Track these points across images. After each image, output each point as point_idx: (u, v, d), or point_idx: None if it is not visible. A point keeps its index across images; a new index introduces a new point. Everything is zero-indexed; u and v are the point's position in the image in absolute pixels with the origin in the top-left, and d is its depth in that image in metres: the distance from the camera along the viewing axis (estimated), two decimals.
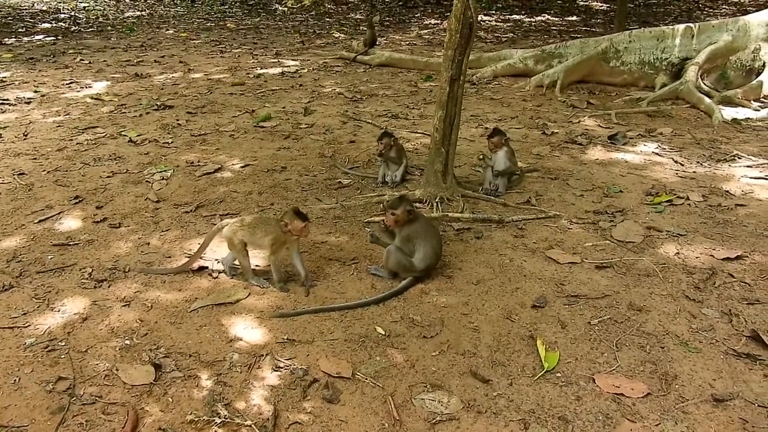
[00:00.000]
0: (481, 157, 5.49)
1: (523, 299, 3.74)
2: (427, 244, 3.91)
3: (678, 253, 4.29)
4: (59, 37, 14.16)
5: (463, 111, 6.74)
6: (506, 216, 4.87)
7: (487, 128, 7.38)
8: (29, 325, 3.44)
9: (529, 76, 9.95)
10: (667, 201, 5.14)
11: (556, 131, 7.24)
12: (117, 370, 3.08)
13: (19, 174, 5.71)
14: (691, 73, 8.73)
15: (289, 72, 10.68)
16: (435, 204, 5.02)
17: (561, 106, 8.54)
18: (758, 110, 8.08)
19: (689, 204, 5.11)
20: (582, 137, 6.99)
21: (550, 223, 4.80)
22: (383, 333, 3.40)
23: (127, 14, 18.78)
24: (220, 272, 4.01)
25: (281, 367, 3.12)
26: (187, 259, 4.06)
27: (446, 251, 4.32)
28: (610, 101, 8.81)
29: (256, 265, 4.08)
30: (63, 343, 3.28)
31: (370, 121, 7.69)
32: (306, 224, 3.80)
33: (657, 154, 6.46)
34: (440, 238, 4.13)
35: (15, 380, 3.01)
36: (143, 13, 19.16)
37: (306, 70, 10.85)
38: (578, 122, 7.70)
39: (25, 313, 3.55)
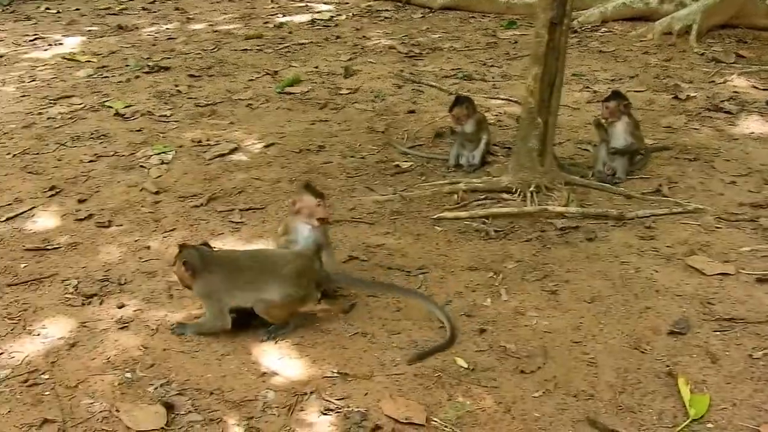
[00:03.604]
0: (598, 121, 5.46)
1: (656, 323, 3.74)
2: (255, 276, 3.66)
3: None
4: None
5: None
6: (628, 210, 4.86)
7: (596, 92, 7.35)
8: (2, 353, 3.61)
9: (653, 19, 9.82)
10: None
11: (692, 95, 7.16)
12: (117, 411, 3.22)
13: None
14: None
15: (322, 19, 10.81)
16: (529, 194, 5.04)
17: (699, 60, 8.41)
18: None
19: None
20: (730, 102, 6.89)
21: (690, 219, 4.77)
22: (465, 366, 3.45)
23: None
24: None
25: (331, 410, 3.20)
26: None
27: (547, 258, 4.35)
28: None
29: None
30: (46, 377, 3.44)
31: (434, 83, 7.74)
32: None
33: None
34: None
35: None
36: None
37: (344, 17, 10.97)
38: (724, 82, 7.58)
39: None
